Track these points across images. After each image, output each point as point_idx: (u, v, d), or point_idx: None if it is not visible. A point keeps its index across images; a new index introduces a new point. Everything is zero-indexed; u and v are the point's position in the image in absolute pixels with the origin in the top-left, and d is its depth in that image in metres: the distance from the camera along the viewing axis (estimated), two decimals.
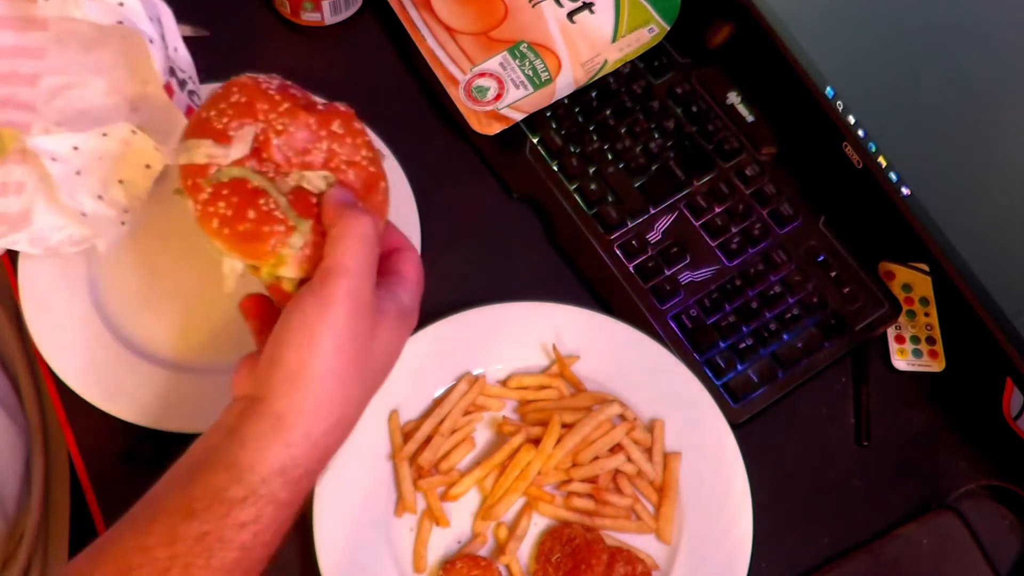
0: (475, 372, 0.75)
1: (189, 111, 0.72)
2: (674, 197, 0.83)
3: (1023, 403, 0.78)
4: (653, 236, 0.81)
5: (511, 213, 0.83)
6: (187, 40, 0.87)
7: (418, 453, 0.71)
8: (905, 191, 0.74)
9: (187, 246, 0.79)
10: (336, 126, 0.59)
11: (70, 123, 0.71)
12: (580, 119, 0.85)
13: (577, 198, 0.82)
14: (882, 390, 0.79)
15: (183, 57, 0.73)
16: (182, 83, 0.71)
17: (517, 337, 0.76)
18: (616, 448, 0.71)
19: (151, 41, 0.67)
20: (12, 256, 0.77)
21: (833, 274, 0.80)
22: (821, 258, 0.81)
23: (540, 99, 0.82)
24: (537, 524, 0.71)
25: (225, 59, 0.86)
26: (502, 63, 0.83)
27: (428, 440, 0.71)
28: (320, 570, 0.67)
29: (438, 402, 0.73)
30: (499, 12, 0.85)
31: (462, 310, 0.76)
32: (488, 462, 0.71)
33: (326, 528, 0.68)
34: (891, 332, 0.81)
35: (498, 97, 0.82)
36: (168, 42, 0.71)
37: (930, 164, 0.72)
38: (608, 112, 0.85)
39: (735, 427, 0.74)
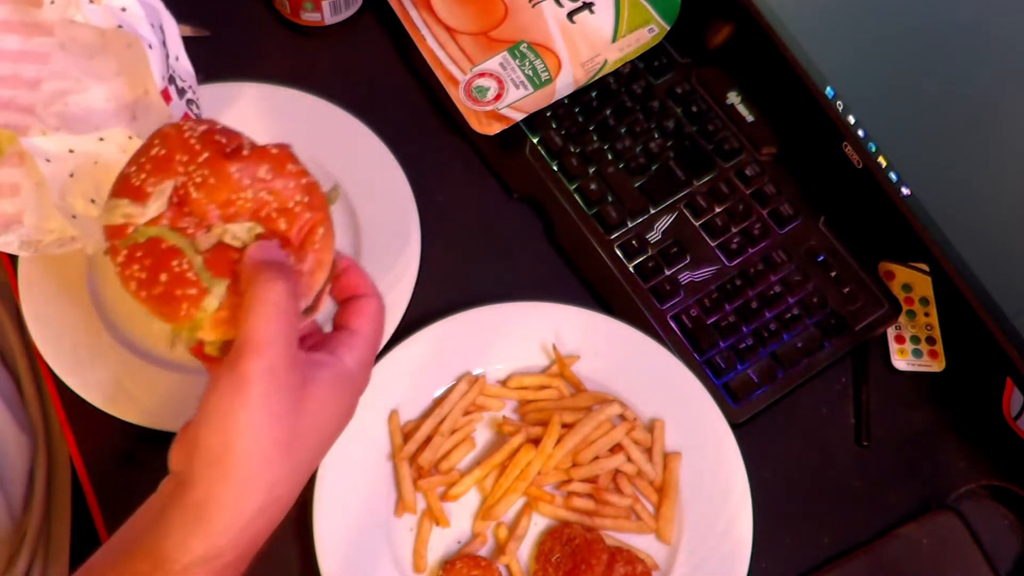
0: (475, 372, 0.75)
1: (185, 117, 0.72)
2: (674, 197, 0.83)
3: (1023, 403, 0.78)
4: (653, 236, 0.81)
5: (511, 213, 0.83)
6: (187, 40, 0.87)
7: (418, 453, 0.71)
8: (905, 191, 0.74)
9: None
10: (263, 172, 0.53)
11: (68, 128, 0.71)
12: (580, 119, 0.85)
13: (577, 198, 0.82)
14: (882, 390, 0.79)
15: (184, 66, 0.73)
16: (181, 91, 0.71)
17: (517, 337, 0.76)
18: (616, 448, 0.72)
19: (150, 47, 0.67)
20: (12, 257, 0.77)
21: (833, 274, 0.80)
22: (821, 258, 0.81)
23: (540, 99, 0.82)
24: (537, 524, 0.71)
25: (225, 59, 0.87)
26: (502, 63, 0.83)
27: (428, 440, 0.71)
28: (320, 570, 0.67)
29: (438, 402, 0.73)
30: (499, 12, 0.85)
31: (462, 310, 0.76)
32: (488, 462, 0.71)
33: (326, 528, 0.68)
34: (891, 332, 0.81)
35: (498, 97, 0.82)
36: (170, 49, 0.71)
37: (930, 164, 0.72)
38: (608, 112, 0.85)
39: (735, 427, 0.74)
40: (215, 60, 0.86)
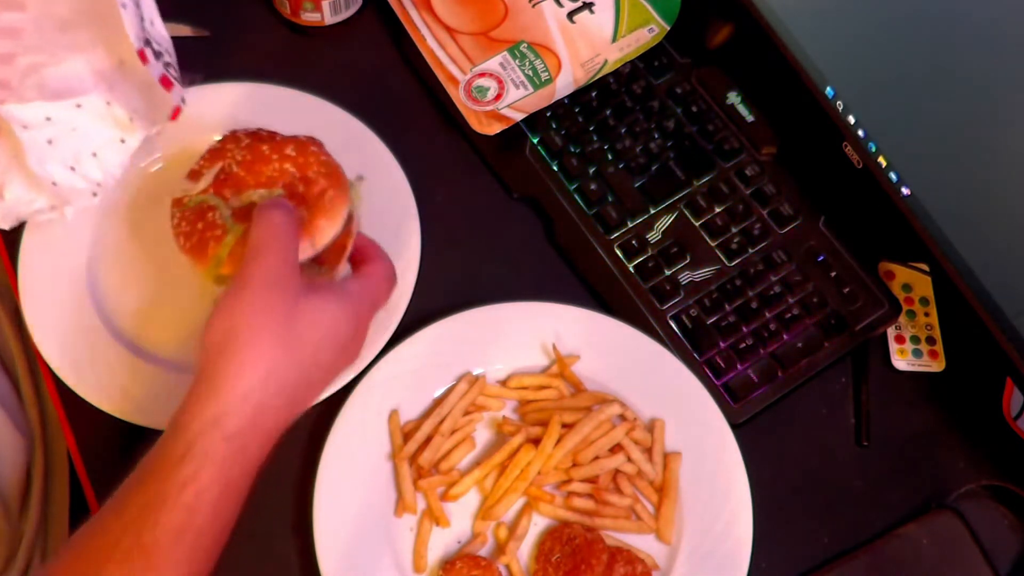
0: (475, 372, 0.75)
1: (163, 80, 0.73)
2: (674, 197, 0.83)
3: (1023, 403, 0.78)
4: (653, 236, 0.81)
5: (511, 213, 0.83)
6: (187, 40, 0.88)
7: (418, 453, 0.71)
8: (905, 191, 0.74)
9: None
10: (290, 150, 0.68)
11: (45, 98, 0.71)
12: (580, 119, 0.85)
13: (577, 198, 0.82)
14: (882, 390, 0.79)
15: (159, 31, 0.73)
16: (158, 54, 0.71)
17: (517, 337, 0.76)
18: (616, 448, 0.72)
19: (123, 6, 0.67)
20: (12, 256, 0.77)
21: (833, 274, 0.80)
22: (821, 258, 0.81)
23: (540, 99, 0.82)
24: (537, 524, 0.71)
25: (225, 59, 0.87)
26: (502, 63, 0.83)
27: (428, 440, 0.71)
28: (320, 570, 0.67)
29: (438, 402, 0.73)
30: (499, 12, 0.85)
31: (462, 310, 0.76)
32: (488, 462, 0.71)
33: (326, 528, 0.68)
34: (891, 332, 0.81)
35: (498, 97, 0.82)
36: (144, 13, 0.71)
37: (930, 164, 0.72)
38: (608, 112, 0.85)
39: (735, 427, 0.74)
40: (215, 60, 0.86)
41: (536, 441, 0.71)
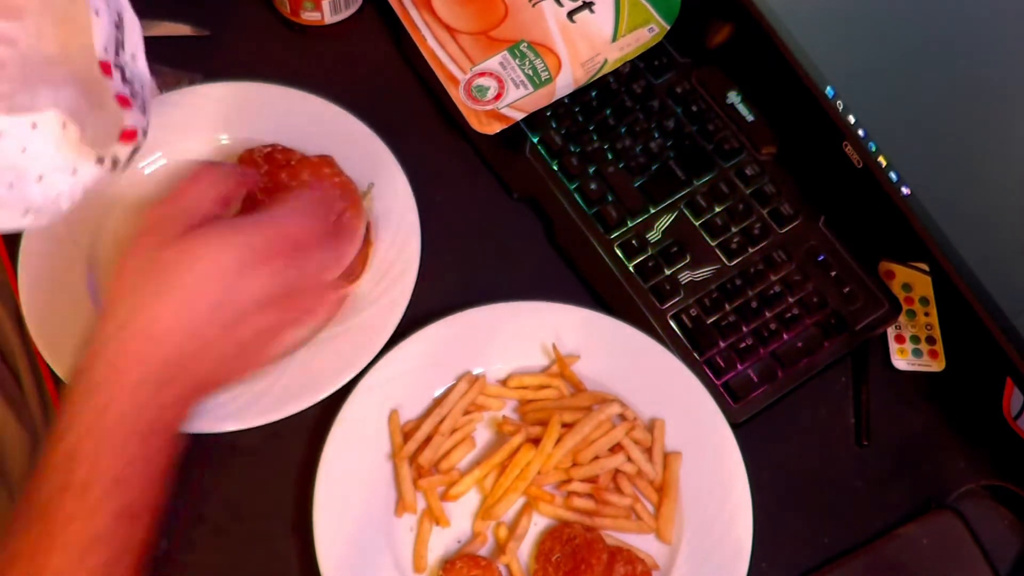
0: (475, 372, 0.75)
1: (121, 99, 0.71)
2: (674, 197, 0.83)
3: (1023, 403, 0.78)
4: (653, 236, 0.81)
5: (511, 213, 0.83)
6: (187, 40, 0.88)
7: (418, 453, 0.71)
8: (905, 191, 0.74)
9: None
10: (306, 175, 0.75)
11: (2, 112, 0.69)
12: (580, 119, 0.85)
13: (577, 198, 0.82)
14: (882, 390, 0.79)
15: (141, 69, 0.71)
16: (128, 81, 0.69)
17: (517, 337, 0.76)
18: (616, 448, 0.72)
19: (96, 13, 0.65)
20: (12, 256, 0.77)
21: (833, 274, 0.80)
22: (821, 258, 0.81)
23: (540, 99, 0.82)
24: (537, 524, 0.71)
25: (225, 59, 0.87)
26: (502, 63, 0.83)
27: (428, 440, 0.71)
28: (320, 570, 0.67)
29: (438, 402, 0.73)
30: (499, 12, 0.85)
31: (462, 310, 0.76)
32: (488, 462, 0.71)
33: (326, 528, 0.68)
34: (891, 332, 0.81)
35: (498, 97, 0.82)
36: (127, 44, 0.69)
37: (930, 164, 0.72)
38: (608, 112, 0.85)
39: (735, 427, 0.74)
40: (215, 60, 0.86)
41: (536, 441, 0.71)
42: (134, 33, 0.70)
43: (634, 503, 0.71)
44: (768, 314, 0.78)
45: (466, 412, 0.73)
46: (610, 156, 0.83)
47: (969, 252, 0.71)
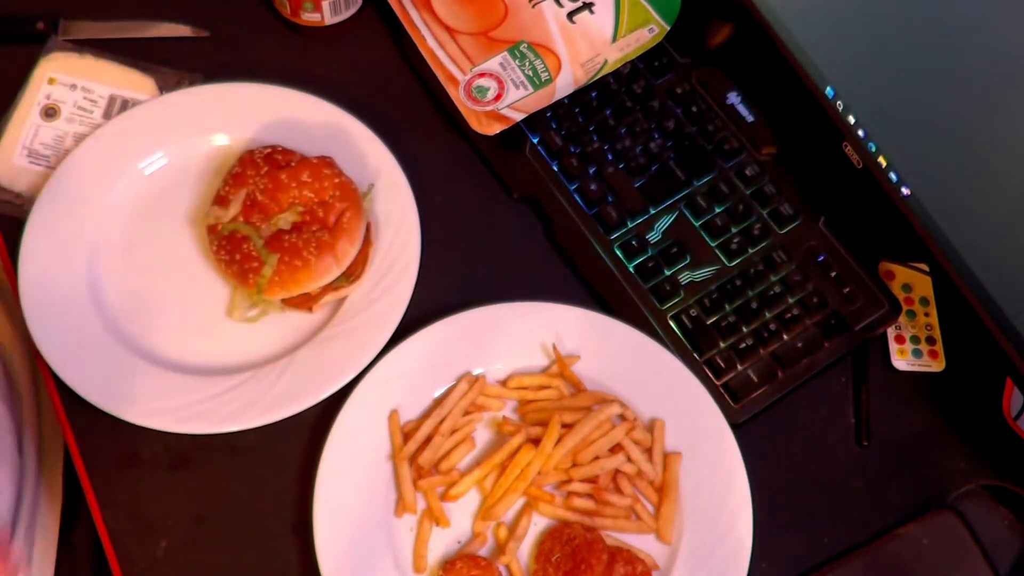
0: (475, 372, 0.75)
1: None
2: (674, 197, 0.83)
3: (1023, 403, 0.78)
4: (653, 236, 0.81)
5: (511, 213, 0.83)
6: (187, 40, 0.88)
7: (418, 453, 0.71)
8: (905, 191, 0.74)
9: (187, 249, 0.79)
10: (306, 176, 0.75)
11: None
12: (580, 119, 0.85)
13: (577, 198, 0.82)
14: (882, 390, 0.79)
15: None
16: None
17: (517, 337, 0.76)
18: (616, 448, 0.72)
19: None
20: (12, 256, 0.77)
21: (833, 274, 0.80)
22: (821, 258, 0.81)
23: (540, 99, 0.82)
24: (537, 524, 0.71)
25: (225, 59, 0.87)
26: (502, 63, 0.83)
27: (428, 440, 0.72)
28: (320, 570, 0.67)
29: (438, 402, 0.73)
30: (499, 12, 0.85)
31: (462, 310, 0.76)
32: (488, 462, 0.71)
33: (326, 528, 0.68)
34: (891, 332, 0.81)
35: (498, 97, 0.82)
36: None
37: (930, 164, 0.72)
38: (608, 112, 0.85)
39: (735, 427, 0.74)
40: (215, 60, 0.86)
41: (536, 441, 0.71)
42: None
43: (634, 503, 0.71)
44: (768, 314, 0.78)
45: (466, 412, 0.73)
46: (610, 156, 0.83)
47: (969, 252, 0.71)
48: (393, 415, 0.73)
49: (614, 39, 0.85)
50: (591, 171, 0.83)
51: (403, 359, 0.74)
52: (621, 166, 0.83)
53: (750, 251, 0.81)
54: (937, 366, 0.80)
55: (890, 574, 0.72)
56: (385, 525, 0.70)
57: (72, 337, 0.74)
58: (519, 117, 0.81)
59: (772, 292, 0.79)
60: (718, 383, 0.76)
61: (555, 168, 0.83)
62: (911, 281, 0.83)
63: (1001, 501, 0.76)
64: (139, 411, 0.71)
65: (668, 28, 0.86)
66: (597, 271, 0.80)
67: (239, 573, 0.70)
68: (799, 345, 0.77)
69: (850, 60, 0.76)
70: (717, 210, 0.82)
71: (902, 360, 0.80)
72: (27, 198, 0.79)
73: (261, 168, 0.76)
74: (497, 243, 0.82)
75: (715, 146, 0.84)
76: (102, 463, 0.72)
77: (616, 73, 0.86)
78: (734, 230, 0.81)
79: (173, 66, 0.85)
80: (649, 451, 0.72)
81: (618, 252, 0.80)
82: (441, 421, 0.72)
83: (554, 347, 0.75)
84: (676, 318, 0.78)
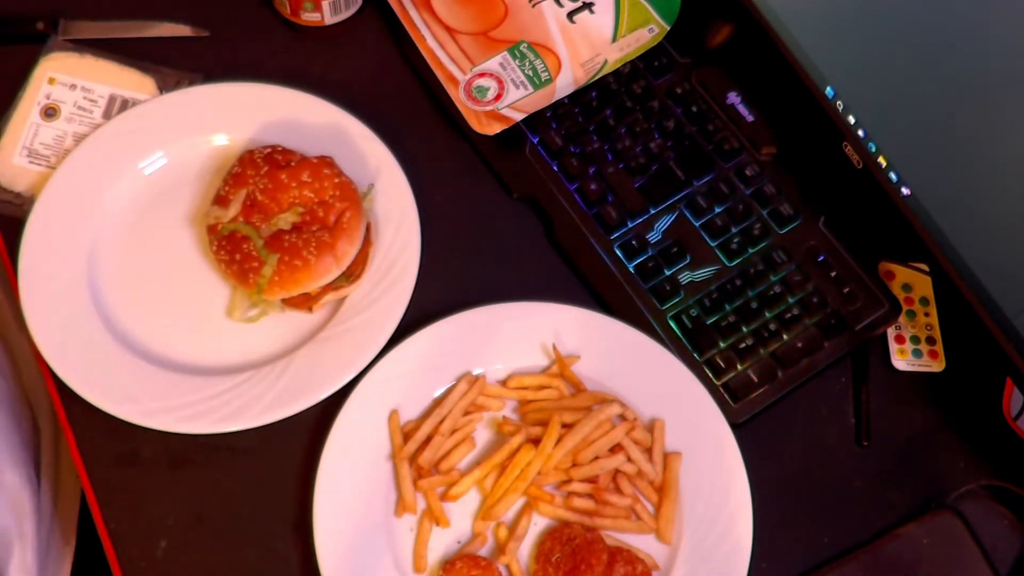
0: (475, 372, 0.75)
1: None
2: (674, 197, 0.83)
3: (1023, 403, 0.78)
4: (653, 236, 0.81)
5: (511, 213, 0.83)
6: (187, 40, 0.88)
7: (418, 453, 0.71)
8: (905, 191, 0.74)
9: (187, 248, 0.79)
10: (305, 176, 0.75)
11: None
12: (580, 119, 0.85)
13: (577, 198, 0.82)
14: (882, 390, 0.79)
15: None
16: None
17: (517, 337, 0.76)
18: (616, 448, 0.72)
19: None
20: (13, 256, 0.77)
21: (833, 274, 0.80)
22: (821, 258, 0.81)
23: (540, 99, 0.82)
24: (537, 524, 0.71)
25: (225, 59, 0.87)
26: (502, 63, 0.83)
27: (428, 440, 0.72)
28: (320, 570, 0.67)
29: (438, 402, 0.73)
30: (499, 12, 0.85)
31: (462, 310, 0.76)
32: (488, 462, 0.71)
33: (326, 528, 0.68)
34: (891, 332, 0.81)
35: (498, 97, 0.82)
36: None
37: (930, 164, 0.72)
38: (608, 112, 0.85)
39: (735, 427, 0.74)
40: (215, 60, 0.86)
41: (536, 441, 0.71)
42: None
43: (634, 503, 0.71)
44: (768, 314, 0.78)
45: (466, 412, 0.73)
46: (610, 156, 0.83)
47: (969, 252, 0.71)
48: (393, 415, 0.73)
49: (614, 39, 0.85)
50: (591, 171, 0.83)
51: (403, 359, 0.74)
52: (621, 166, 0.83)
53: (750, 251, 0.81)
54: (937, 366, 0.80)
55: (890, 574, 0.72)
56: (385, 525, 0.70)
57: (72, 337, 0.74)
58: (519, 117, 0.81)
59: (772, 292, 0.79)
60: (718, 383, 0.76)
61: (555, 168, 0.83)
62: (911, 281, 0.83)
63: (1001, 501, 0.76)
64: (139, 411, 0.71)
65: (668, 28, 0.86)
66: (597, 271, 0.80)
67: (239, 573, 0.70)
68: (799, 345, 0.77)
69: (850, 60, 0.76)
70: (717, 210, 0.82)
71: (902, 360, 0.80)
72: (27, 198, 0.79)
73: (261, 168, 0.76)
74: (497, 243, 0.82)
75: (715, 146, 0.84)
76: (102, 463, 0.72)
77: (616, 73, 0.86)
78: (734, 230, 0.81)
79: (173, 66, 0.85)
80: (649, 451, 0.72)
81: (618, 252, 0.80)
82: (441, 421, 0.72)
83: (554, 347, 0.75)
84: (676, 318, 0.78)
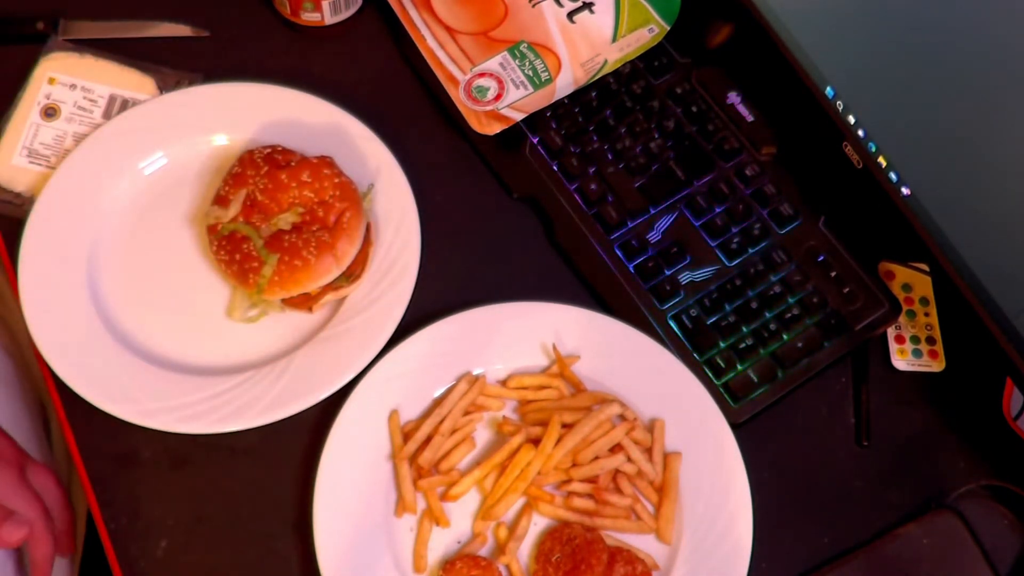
0: (475, 372, 0.75)
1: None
2: (674, 197, 0.83)
3: (1023, 403, 0.78)
4: (653, 236, 0.81)
5: (511, 213, 0.83)
6: (187, 40, 0.88)
7: (418, 453, 0.71)
8: (905, 191, 0.74)
9: (187, 249, 0.79)
10: (305, 176, 0.75)
11: None
12: (580, 119, 0.85)
13: (577, 198, 0.82)
14: (882, 390, 0.79)
15: None
16: None
17: (517, 337, 0.76)
18: (616, 448, 0.72)
19: None
20: (13, 256, 0.77)
21: (833, 274, 0.80)
22: (821, 258, 0.81)
23: (540, 99, 0.82)
24: (537, 524, 0.71)
25: (225, 59, 0.87)
26: (502, 63, 0.83)
27: (428, 440, 0.72)
28: (320, 570, 0.67)
29: (438, 402, 0.73)
30: (499, 12, 0.85)
31: (462, 310, 0.76)
32: (488, 462, 0.71)
33: (326, 528, 0.68)
34: (891, 332, 0.81)
35: (498, 97, 0.82)
36: None
37: (930, 164, 0.72)
38: (608, 112, 0.85)
39: (735, 427, 0.74)
40: (215, 60, 0.86)
41: (536, 441, 0.71)
42: None
43: (634, 503, 0.71)
44: (768, 314, 0.78)
45: (466, 412, 0.73)
46: (610, 156, 0.83)
47: (969, 252, 0.71)
48: (393, 415, 0.73)
49: (614, 39, 0.85)
50: (591, 171, 0.83)
51: (403, 359, 0.74)
52: (621, 166, 0.83)
53: (750, 251, 0.81)
54: (937, 366, 0.80)
55: (890, 574, 0.72)
56: (385, 525, 0.70)
57: (72, 337, 0.74)
58: (519, 117, 0.81)
59: (772, 292, 0.79)
60: (718, 383, 0.76)
61: (555, 168, 0.83)
62: (911, 281, 0.83)
63: (1001, 501, 0.76)
64: (139, 411, 0.71)
65: (668, 28, 0.86)
66: (597, 271, 0.80)
67: (239, 573, 0.70)
68: (799, 345, 0.77)
69: (850, 60, 0.76)
70: (717, 210, 0.82)
71: (902, 360, 0.80)
72: (27, 198, 0.79)
73: (261, 168, 0.76)
74: (497, 243, 0.82)
75: (715, 146, 0.84)
76: (102, 463, 0.72)
77: (616, 73, 0.86)
78: (734, 230, 0.81)
79: (173, 66, 0.85)
80: (649, 451, 0.72)
81: (618, 252, 0.80)
82: (441, 421, 0.72)
83: (554, 347, 0.75)
84: (676, 318, 0.78)
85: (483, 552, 0.70)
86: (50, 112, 0.82)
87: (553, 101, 0.83)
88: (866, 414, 0.78)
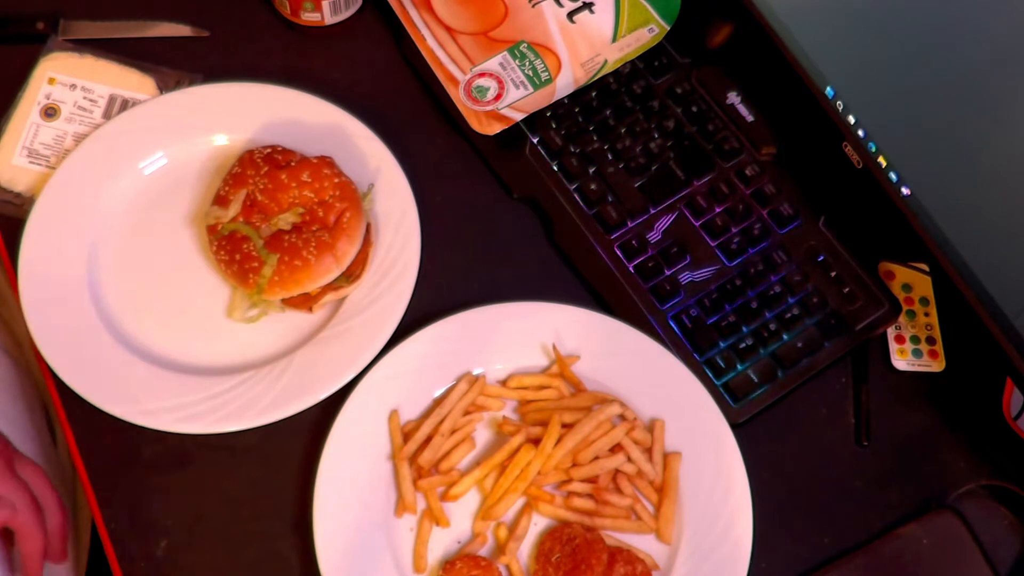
0: (475, 372, 0.75)
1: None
2: (674, 197, 0.83)
3: (1023, 403, 0.78)
4: (653, 236, 0.81)
5: (511, 213, 0.83)
6: (187, 40, 0.88)
7: (418, 453, 0.71)
8: (905, 191, 0.74)
9: (187, 249, 0.79)
10: (305, 176, 0.75)
11: None
12: (580, 119, 0.85)
13: (577, 198, 0.82)
14: (882, 390, 0.79)
15: None
16: None
17: (517, 337, 0.76)
18: (616, 448, 0.72)
19: None
20: (12, 256, 0.77)
21: (833, 274, 0.80)
22: (821, 258, 0.81)
23: (540, 99, 0.82)
24: (537, 524, 0.71)
25: (225, 59, 0.87)
26: (502, 63, 0.83)
27: (428, 440, 0.72)
28: (320, 570, 0.67)
29: (438, 402, 0.73)
30: (499, 12, 0.85)
31: (462, 310, 0.76)
32: (488, 462, 0.71)
33: (326, 528, 0.68)
34: (891, 332, 0.81)
35: (498, 97, 0.82)
36: None
37: (930, 164, 0.72)
38: (608, 112, 0.85)
39: (735, 427, 0.74)
40: (215, 60, 0.86)
41: (536, 441, 0.71)
42: None
43: (634, 503, 0.71)
44: (768, 314, 0.78)
45: (466, 412, 0.73)
46: (610, 156, 0.83)
47: (969, 252, 0.71)
48: (393, 415, 0.73)
49: (614, 39, 0.85)
50: (591, 171, 0.83)
51: (403, 359, 0.74)
52: (621, 166, 0.83)
53: (750, 251, 0.81)
54: (937, 366, 0.80)
55: (890, 574, 0.72)
56: (385, 525, 0.70)
57: (72, 337, 0.74)
58: (519, 117, 0.81)
59: (772, 292, 0.79)
60: (718, 383, 0.76)
61: (555, 168, 0.83)
62: (911, 281, 0.83)
63: (1001, 501, 0.76)
64: (139, 411, 0.71)
65: (668, 28, 0.86)
66: (597, 271, 0.80)
67: (239, 573, 0.70)
68: (799, 345, 0.77)
69: (850, 60, 0.76)
70: (717, 210, 0.82)
71: (902, 360, 0.80)
72: (27, 198, 0.79)
73: (261, 168, 0.76)
74: (497, 243, 0.82)
75: (715, 146, 0.84)
76: (102, 463, 0.73)
77: (616, 73, 0.86)
78: (734, 230, 0.81)
79: (173, 66, 0.85)
80: (649, 451, 0.72)
81: (618, 252, 0.80)
82: (441, 421, 0.72)
83: (554, 347, 0.75)
84: (676, 318, 0.78)
85: (483, 552, 0.70)
86: (50, 112, 0.82)
87: (553, 101, 0.83)
88: (866, 414, 0.78)
